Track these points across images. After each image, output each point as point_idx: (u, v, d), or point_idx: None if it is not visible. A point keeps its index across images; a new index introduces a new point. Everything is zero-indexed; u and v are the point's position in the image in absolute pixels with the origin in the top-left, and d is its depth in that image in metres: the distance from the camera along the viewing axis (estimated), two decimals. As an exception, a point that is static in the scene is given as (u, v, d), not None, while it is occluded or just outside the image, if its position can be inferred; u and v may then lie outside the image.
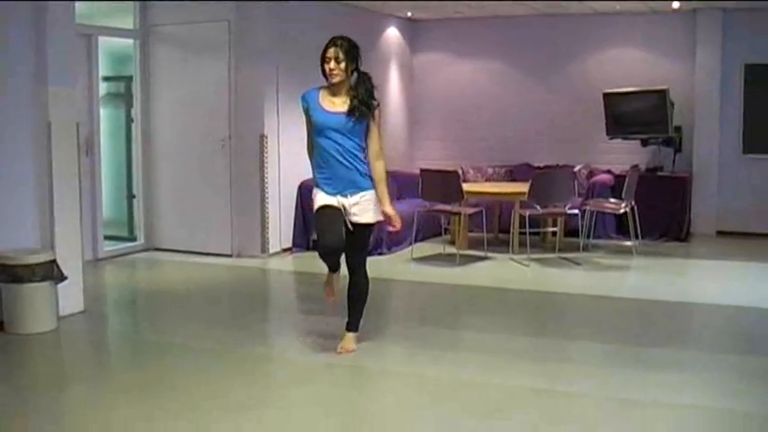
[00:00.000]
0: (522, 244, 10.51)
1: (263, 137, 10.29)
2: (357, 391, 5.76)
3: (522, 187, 10.43)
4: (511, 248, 10.66)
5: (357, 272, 6.34)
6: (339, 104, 6.06)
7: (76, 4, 7.77)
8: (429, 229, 11.70)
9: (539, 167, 12.61)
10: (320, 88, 6.15)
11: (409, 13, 13.41)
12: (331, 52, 5.98)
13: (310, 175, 10.98)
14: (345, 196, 6.10)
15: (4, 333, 6.98)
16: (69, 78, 7.60)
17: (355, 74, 6.10)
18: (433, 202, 10.61)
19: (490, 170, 13.00)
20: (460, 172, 11.83)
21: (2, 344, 6.82)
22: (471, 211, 10.49)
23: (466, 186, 10.55)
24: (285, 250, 10.70)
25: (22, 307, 6.96)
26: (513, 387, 5.70)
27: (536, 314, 8.08)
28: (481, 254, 10.52)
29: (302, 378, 5.91)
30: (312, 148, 6.24)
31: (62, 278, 7.22)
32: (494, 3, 11.90)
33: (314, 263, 10.03)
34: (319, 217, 6.15)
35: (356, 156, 6.10)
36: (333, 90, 6.09)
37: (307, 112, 6.14)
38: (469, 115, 13.81)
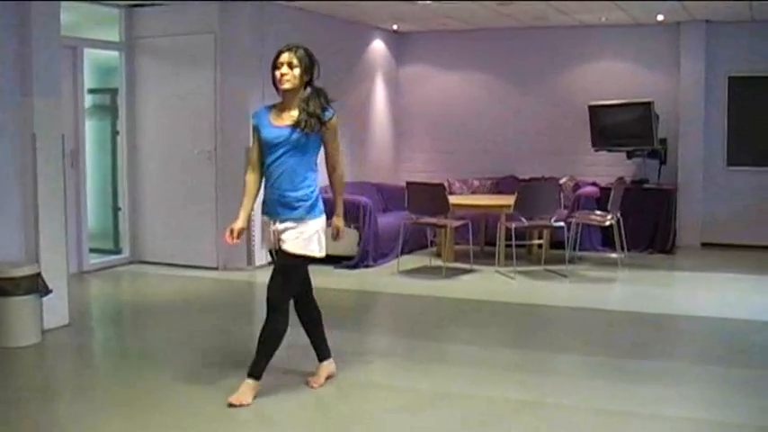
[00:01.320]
0: (508, 256, 10.50)
1: (248, 149, 10.24)
2: (344, 403, 5.72)
3: (508, 200, 10.43)
4: (497, 261, 10.64)
5: (275, 310, 5.59)
6: (287, 118, 5.48)
7: (61, 15, 7.75)
8: (415, 241, 11.69)
9: (524, 180, 12.63)
10: (272, 106, 5.63)
11: (395, 26, 13.42)
12: (284, 57, 5.43)
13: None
14: (276, 222, 5.55)
15: (-12, 347, 6.95)
16: (54, 90, 7.57)
17: (309, 88, 5.54)
18: (420, 214, 10.59)
19: (476, 182, 13.01)
20: (446, 184, 11.83)
21: (-14, 358, 6.80)
22: (457, 223, 10.48)
23: (452, 199, 10.55)
24: (271, 263, 10.62)
25: (5, 320, 6.92)
26: (501, 399, 5.69)
27: (523, 327, 8.06)
28: (467, 266, 10.52)
29: (289, 391, 5.88)
30: (252, 170, 5.64)
31: (47, 291, 7.18)
32: (479, 15, 11.92)
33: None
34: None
35: (302, 177, 5.47)
36: (283, 104, 5.55)
37: (256, 129, 5.60)
38: (455, 127, 13.82)
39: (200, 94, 10.42)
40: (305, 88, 5.52)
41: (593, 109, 12.20)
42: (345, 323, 8.00)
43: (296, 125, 5.40)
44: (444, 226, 10.54)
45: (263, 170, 5.58)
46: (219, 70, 10.34)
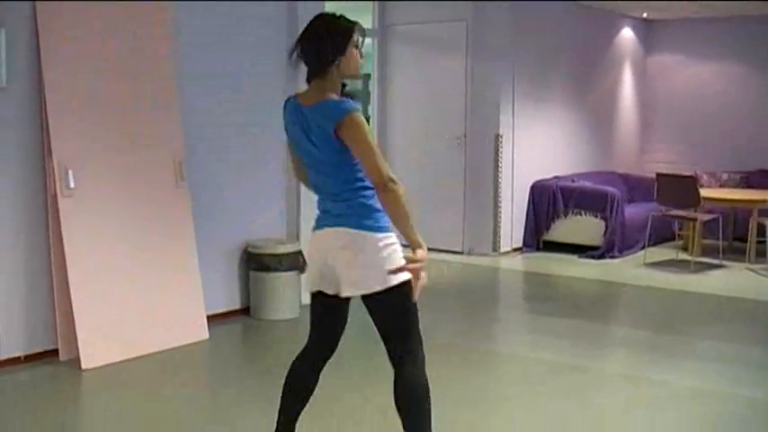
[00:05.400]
0: (759, 253, 10.18)
1: (498, 136, 10.36)
2: (582, 391, 5.74)
3: (763, 194, 10.11)
4: (747, 257, 10.31)
5: (402, 366, 4.02)
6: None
7: (325, 3, 8.08)
8: (660, 233, 11.41)
9: (777, 174, 12.16)
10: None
11: (645, 14, 13.17)
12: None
13: (544, 175, 11.09)
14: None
15: (251, 318, 7.40)
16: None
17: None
18: (669, 206, 10.39)
19: (725, 176, 12.60)
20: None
21: (248, 328, 7.27)
22: (708, 217, 10.20)
23: (702, 192, 10.26)
24: (515, 250, 10.74)
25: (269, 294, 7.33)
26: (749, 399, 5.58)
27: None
28: (716, 261, 10.23)
29: (530, 376, 5.98)
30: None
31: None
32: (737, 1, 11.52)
33: (543, 264, 10.15)
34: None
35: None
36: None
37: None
38: (704, 119, 13.40)
39: (451, 80, 10.58)
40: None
41: None
42: (590, 313, 8.03)
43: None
44: (694, 219, 10.30)
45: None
46: (471, 57, 10.47)
